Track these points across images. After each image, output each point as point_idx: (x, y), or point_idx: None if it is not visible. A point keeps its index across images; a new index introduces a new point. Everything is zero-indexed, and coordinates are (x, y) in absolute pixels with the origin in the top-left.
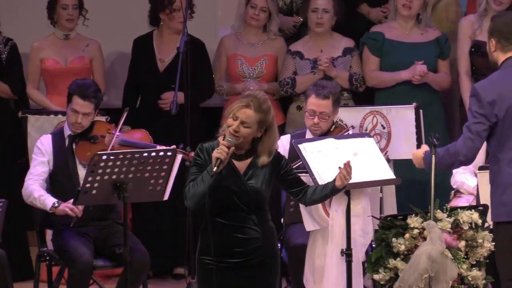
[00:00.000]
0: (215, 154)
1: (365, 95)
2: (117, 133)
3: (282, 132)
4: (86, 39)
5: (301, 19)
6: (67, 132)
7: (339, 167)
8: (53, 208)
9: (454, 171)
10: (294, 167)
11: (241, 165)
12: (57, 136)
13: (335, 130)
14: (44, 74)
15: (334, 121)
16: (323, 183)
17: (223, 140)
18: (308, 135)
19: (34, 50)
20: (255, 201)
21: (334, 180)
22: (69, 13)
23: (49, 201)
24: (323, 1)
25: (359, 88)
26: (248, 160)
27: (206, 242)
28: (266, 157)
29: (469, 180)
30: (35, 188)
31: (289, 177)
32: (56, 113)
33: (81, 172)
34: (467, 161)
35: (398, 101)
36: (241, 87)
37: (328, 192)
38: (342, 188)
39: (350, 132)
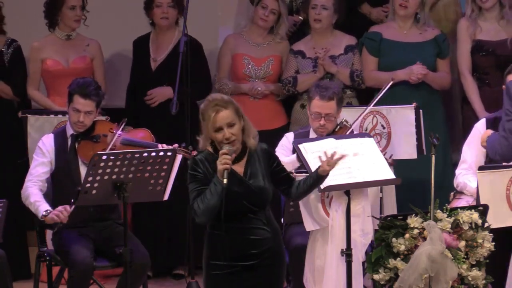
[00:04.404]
0: (221, 166)
1: (367, 95)
2: (119, 132)
3: (287, 132)
4: (87, 39)
5: (301, 18)
6: (70, 131)
7: (324, 152)
8: (43, 216)
9: (457, 172)
10: (296, 168)
11: (238, 168)
12: (60, 135)
13: (339, 131)
14: (45, 75)
15: (338, 122)
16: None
17: (222, 150)
18: (312, 134)
19: (34, 50)
20: (262, 199)
21: (318, 168)
22: (77, 14)
23: (42, 208)
24: None
25: (361, 84)
26: (243, 162)
27: (216, 248)
28: (252, 140)
29: (471, 181)
30: (33, 191)
31: (279, 173)
32: (56, 113)
33: (83, 171)
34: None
35: (396, 101)
36: (247, 87)
37: (312, 182)
38: (326, 176)
39: (354, 130)
